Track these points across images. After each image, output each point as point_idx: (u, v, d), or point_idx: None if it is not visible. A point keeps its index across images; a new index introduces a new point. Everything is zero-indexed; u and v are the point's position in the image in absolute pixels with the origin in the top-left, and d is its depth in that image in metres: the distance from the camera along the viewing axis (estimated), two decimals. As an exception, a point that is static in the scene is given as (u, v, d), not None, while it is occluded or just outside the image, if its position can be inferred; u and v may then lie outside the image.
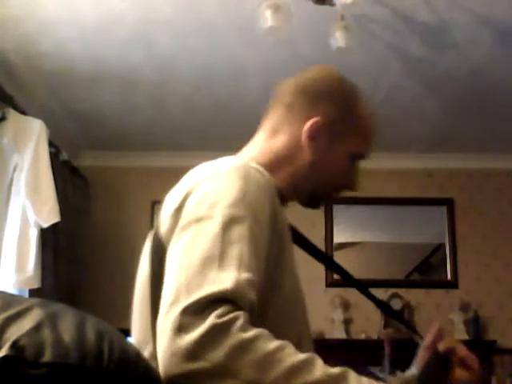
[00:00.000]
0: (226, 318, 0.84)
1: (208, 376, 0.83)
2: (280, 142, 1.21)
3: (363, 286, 1.38)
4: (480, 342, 4.45)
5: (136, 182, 4.93)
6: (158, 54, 3.57)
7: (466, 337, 4.43)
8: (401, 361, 1.48)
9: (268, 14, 2.72)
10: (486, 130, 4.50)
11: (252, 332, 0.85)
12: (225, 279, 0.88)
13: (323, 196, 1.27)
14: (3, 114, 3.53)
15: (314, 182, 1.22)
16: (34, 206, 3.41)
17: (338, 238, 4.81)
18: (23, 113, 3.64)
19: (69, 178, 4.28)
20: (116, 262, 4.61)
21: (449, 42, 3.43)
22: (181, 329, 0.84)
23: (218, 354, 0.82)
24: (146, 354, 1.00)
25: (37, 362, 0.73)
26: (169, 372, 0.84)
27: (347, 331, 4.61)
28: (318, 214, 4.70)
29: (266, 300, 0.99)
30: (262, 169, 1.09)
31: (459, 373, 1.12)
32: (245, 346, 0.83)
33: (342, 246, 4.83)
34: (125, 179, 4.94)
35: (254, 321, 0.88)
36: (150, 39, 3.43)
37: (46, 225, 3.46)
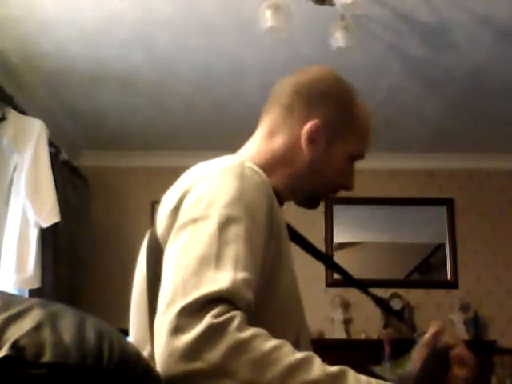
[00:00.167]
0: (222, 318, 0.84)
1: (205, 376, 0.82)
2: (278, 142, 1.21)
3: (362, 284, 1.38)
4: (480, 342, 4.45)
5: (136, 182, 4.93)
6: (158, 54, 3.57)
7: (466, 337, 4.43)
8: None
9: (268, 14, 2.72)
10: (486, 130, 4.50)
11: (249, 332, 0.85)
12: (221, 279, 0.88)
13: (320, 196, 1.27)
14: (3, 113, 3.53)
15: (312, 182, 1.23)
16: (34, 206, 3.41)
17: (337, 238, 4.81)
18: (23, 113, 3.64)
19: (69, 177, 4.28)
20: (116, 262, 4.61)
21: (449, 42, 3.43)
22: (177, 329, 0.84)
23: (214, 355, 0.82)
24: (145, 354, 0.99)
25: (37, 362, 0.73)
26: (166, 372, 0.84)
27: (347, 331, 4.61)
28: (318, 214, 4.70)
29: (263, 299, 0.99)
30: (258, 168, 1.09)
31: (457, 370, 1.12)
32: (241, 346, 0.83)
33: (342, 245, 4.83)
34: (125, 179, 4.94)
35: (251, 320, 0.88)
36: (149, 39, 3.43)
37: (46, 225, 3.46)
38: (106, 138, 4.74)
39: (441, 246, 4.85)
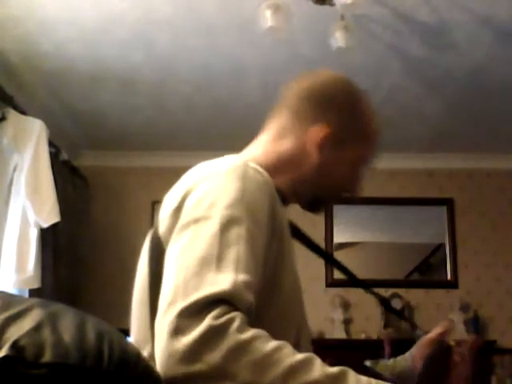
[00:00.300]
0: (222, 320, 0.84)
1: (205, 378, 0.82)
2: (285, 146, 1.20)
3: (363, 283, 1.38)
4: (481, 340, 4.45)
5: (136, 182, 4.93)
6: (158, 54, 3.57)
7: (466, 337, 4.42)
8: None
9: (268, 14, 2.72)
10: (486, 130, 4.50)
11: (249, 333, 0.85)
12: (222, 281, 0.88)
13: (324, 200, 1.27)
14: (3, 113, 3.53)
15: (317, 187, 1.23)
16: (34, 206, 3.41)
17: (337, 238, 4.81)
18: (23, 113, 3.64)
19: (69, 177, 4.28)
20: (116, 262, 4.61)
21: (449, 42, 3.43)
22: (178, 331, 0.84)
23: (214, 356, 0.82)
24: (145, 353, 0.99)
25: (37, 362, 0.73)
26: (166, 374, 0.84)
27: (347, 331, 4.61)
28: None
29: (265, 300, 0.99)
30: (261, 169, 1.08)
31: (458, 369, 1.13)
32: (242, 348, 0.83)
33: (342, 245, 4.83)
34: (125, 179, 4.94)
35: (252, 322, 0.88)
36: (149, 39, 3.43)
37: (46, 225, 3.46)
38: (106, 138, 4.74)
39: (441, 246, 4.85)
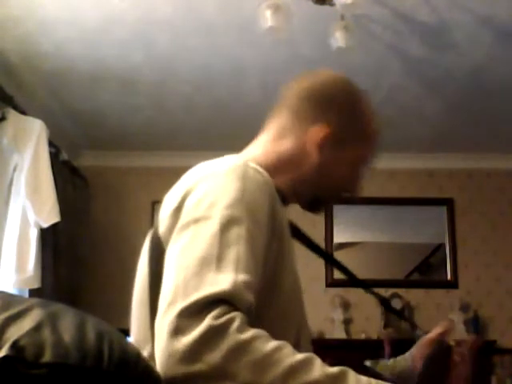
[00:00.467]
0: (222, 320, 0.84)
1: (205, 378, 0.82)
2: (285, 146, 1.20)
3: (363, 283, 1.38)
4: (481, 340, 4.45)
5: (136, 182, 4.93)
6: (158, 54, 3.57)
7: (466, 337, 4.42)
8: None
9: (268, 14, 2.72)
10: (486, 130, 4.50)
11: (249, 333, 0.85)
12: (222, 281, 0.88)
13: (324, 200, 1.27)
14: (3, 113, 3.53)
15: (317, 187, 1.23)
16: (33, 206, 3.41)
17: (337, 238, 4.81)
18: (23, 113, 3.64)
19: (69, 177, 4.28)
20: (116, 262, 4.61)
21: (449, 42, 3.43)
22: (177, 331, 0.84)
23: (214, 356, 0.82)
24: (145, 353, 1.00)
25: (37, 362, 0.73)
26: (166, 374, 0.84)
27: (347, 331, 4.61)
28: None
29: (265, 300, 0.99)
30: (261, 169, 1.08)
31: (458, 369, 1.14)
32: (242, 348, 0.83)
33: (342, 245, 4.83)
34: (125, 179, 4.94)
35: (252, 322, 0.88)
36: (149, 39, 3.43)
37: (46, 225, 3.46)
38: (106, 138, 4.74)
39: (441, 246, 4.85)
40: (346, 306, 4.62)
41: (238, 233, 0.94)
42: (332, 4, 2.89)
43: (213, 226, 0.95)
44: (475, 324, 4.51)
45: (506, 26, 3.27)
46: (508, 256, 4.76)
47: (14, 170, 3.53)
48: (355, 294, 4.48)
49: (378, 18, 3.20)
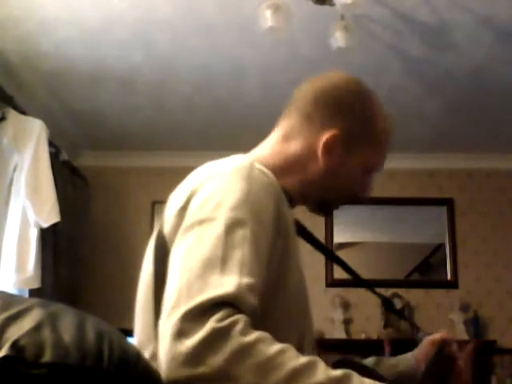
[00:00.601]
0: (225, 322, 0.84)
1: (209, 381, 0.82)
2: (293, 147, 1.20)
3: (368, 283, 1.38)
4: (480, 342, 4.45)
5: (136, 182, 4.93)
6: (158, 54, 3.57)
7: (466, 337, 4.43)
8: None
9: (268, 14, 2.72)
10: (486, 130, 4.50)
11: (253, 335, 0.84)
12: (226, 283, 0.88)
13: (333, 203, 1.26)
14: (3, 113, 3.53)
15: (325, 190, 1.22)
16: (33, 206, 3.41)
17: (338, 238, 4.81)
18: (23, 113, 3.64)
19: (69, 178, 4.28)
20: (116, 262, 4.61)
21: (449, 42, 3.43)
22: (181, 334, 0.83)
23: (217, 359, 0.81)
24: (148, 353, 1.00)
25: (37, 362, 0.73)
26: (170, 376, 0.84)
27: (347, 331, 4.61)
28: (318, 214, 4.70)
29: (270, 300, 0.99)
30: (267, 170, 1.08)
31: (462, 369, 1.14)
32: (245, 350, 0.83)
33: (342, 245, 4.83)
34: (125, 179, 4.94)
35: (256, 324, 0.88)
36: (149, 39, 3.43)
37: (46, 225, 3.46)
38: (106, 138, 4.74)
39: (441, 246, 4.85)
40: (345, 306, 4.62)
41: (242, 235, 0.94)
42: (332, 4, 2.89)
43: (217, 228, 0.94)
44: (475, 324, 4.51)
45: (506, 26, 3.27)
46: (508, 256, 4.75)
47: (14, 169, 3.53)
48: (355, 294, 4.48)
49: (378, 17, 3.20)
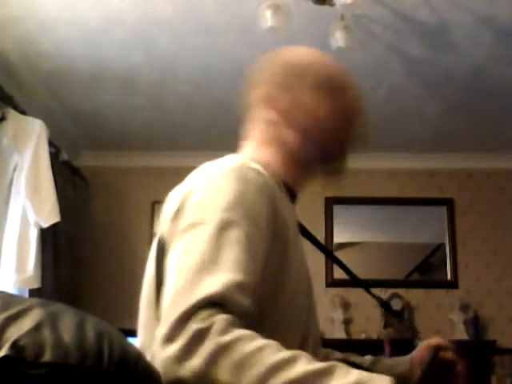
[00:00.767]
0: (206, 323, 0.84)
1: None
2: (266, 132, 1.25)
3: (364, 283, 1.38)
4: (480, 342, 4.45)
5: (136, 182, 4.93)
6: (158, 54, 3.57)
7: (465, 337, 4.43)
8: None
9: (268, 14, 2.72)
10: (486, 130, 4.50)
11: (231, 334, 0.84)
12: (214, 283, 0.88)
13: (334, 159, 1.24)
14: (3, 113, 3.53)
15: (317, 148, 1.20)
16: (33, 206, 3.41)
17: (338, 238, 4.81)
18: (23, 113, 3.64)
19: (69, 178, 4.28)
20: (116, 262, 4.61)
21: (449, 42, 3.43)
22: (168, 339, 0.84)
23: (196, 362, 0.82)
24: (150, 354, 1.00)
25: (37, 362, 0.73)
26: (165, 379, 0.85)
27: (347, 331, 4.61)
28: (318, 214, 4.70)
29: (269, 301, 0.98)
30: (261, 168, 1.08)
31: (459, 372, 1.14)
32: (222, 350, 0.82)
33: (342, 245, 4.83)
34: (125, 179, 4.94)
35: (249, 323, 0.87)
36: (149, 39, 3.43)
37: (46, 225, 3.46)
38: (106, 138, 4.74)
39: (441, 246, 4.85)
40: (346, 306, 4.62)
41: (235, 236, 0.94)
42: (332, 4, 2.89)
43: (209, 230, 0.95)
44: (475, 324, 4.51)
45: (506, 26, 3.27)
46: (508, 256, 4.75)
47: (14, 169, 3.53)
48: (355, 294, 4.48)
49: (378, 17, 3.20)
